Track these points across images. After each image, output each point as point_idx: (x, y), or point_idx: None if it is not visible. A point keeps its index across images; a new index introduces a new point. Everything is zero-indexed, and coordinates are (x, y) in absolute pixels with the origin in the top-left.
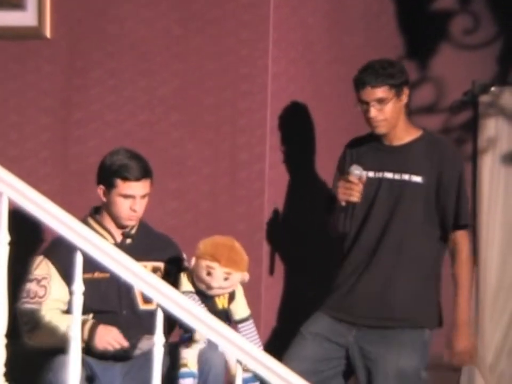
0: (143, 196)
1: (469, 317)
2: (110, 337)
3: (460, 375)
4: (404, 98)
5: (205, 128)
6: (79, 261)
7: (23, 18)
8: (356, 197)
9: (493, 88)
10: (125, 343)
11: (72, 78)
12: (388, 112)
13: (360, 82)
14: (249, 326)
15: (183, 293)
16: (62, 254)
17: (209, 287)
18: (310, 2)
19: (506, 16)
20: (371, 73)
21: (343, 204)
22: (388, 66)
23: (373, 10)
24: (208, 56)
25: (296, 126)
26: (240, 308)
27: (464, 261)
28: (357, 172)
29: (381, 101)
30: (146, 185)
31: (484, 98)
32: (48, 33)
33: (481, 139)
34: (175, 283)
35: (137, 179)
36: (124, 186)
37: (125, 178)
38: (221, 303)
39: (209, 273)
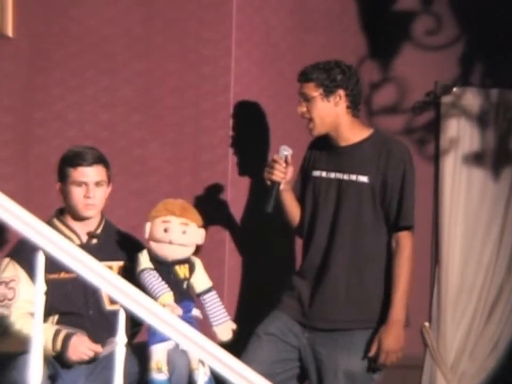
0: (97, 183)
1: (402, 317)
2: (84, 348)
3: (422, 375)
4: (338, 102)
5: (167, 128)
6: (41, 261)
7: None
8: (278, 176)
9: (455, 89)
10: (99, 349)
11: (34, 77)
12: (313, 112)
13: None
14: (213, 297)
15: (142, 270)
16: (28, 254)
17: (170, 242)
18: (273, 2)
19: (468, 17)
20: (306, 69)
21: (268, 183)
22: (327, 66)
23: (335, 11)
24: (170, 56)
25: (259, 126)
26: (201, 280)
27: (404, 261)
28: (284, 152)
29: (306, 98)
30: (99, 172)
31: (446, 99)
32: (10, 32)
33: (443, 140)
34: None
35: (88, 164)
36: (76, 174)
37: (76, 165)
38: (182, 272)
39: (166, 230)
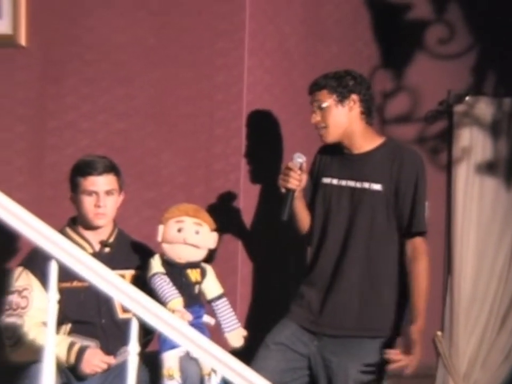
0: (108, 192)
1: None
2: (97, 360)
3: None
4: (352, 107)
5: (180, 137)
6: (54, 270)
7: None
8: (293, 184)
9: (467, 98)
10: (112, 361)
11: (47, 86)
12: (328, 119)
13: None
14: (225, 303)
15: (154, 275)
16: (41, 263)
17: (184, 242)
18: (286, 11)
19: (481, 26)
20: (316, 79)
21: (283, 190)
22: (337, 75)
23: (348, 20)
24: (184, 65)
25: (271, 136)
26: (212, 286)
27: (424, 268)
28: (299, 159)
29: (320, 106)
30: (110, 181)
31: (458, 108)
32: (23, 41)
33: (456, 149)
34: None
35: (98, 173)
36: (86, 183)
37: (86, 174)
38: (194, 276)
39: (179, 230)
